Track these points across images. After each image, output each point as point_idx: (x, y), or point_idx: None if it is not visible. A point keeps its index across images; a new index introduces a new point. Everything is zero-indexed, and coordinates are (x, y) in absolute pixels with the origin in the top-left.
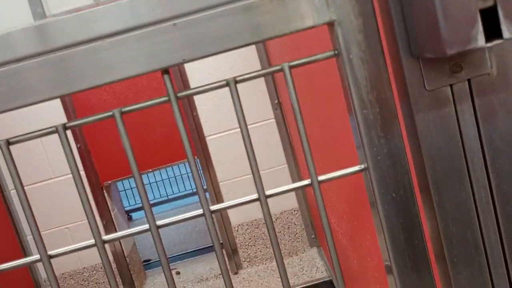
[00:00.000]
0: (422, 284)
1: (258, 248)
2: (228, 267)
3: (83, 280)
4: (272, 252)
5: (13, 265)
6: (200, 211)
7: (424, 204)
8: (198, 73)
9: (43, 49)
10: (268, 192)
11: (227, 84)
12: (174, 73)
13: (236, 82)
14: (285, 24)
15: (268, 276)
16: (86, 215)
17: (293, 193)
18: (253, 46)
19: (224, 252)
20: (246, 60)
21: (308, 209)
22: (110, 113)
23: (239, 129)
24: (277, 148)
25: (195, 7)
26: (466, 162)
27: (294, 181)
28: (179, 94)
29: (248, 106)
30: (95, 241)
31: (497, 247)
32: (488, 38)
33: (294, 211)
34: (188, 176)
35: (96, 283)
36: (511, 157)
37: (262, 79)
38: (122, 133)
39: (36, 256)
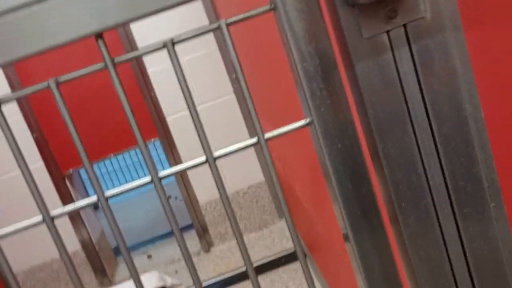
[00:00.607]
0: (371, 227)
1: (228, 225)
2: (200, 245)
3: (52, 271)
4: (242, 227)
5: None
6: (148, 178)
7: (370, 152)
8: (149, 40)
9: None
10: (216, 154)
11: (165, 45)
12: (123, 42)
13: (173, 43)
14: None
15: (239, 252)
16: (31, 190)
17: (259, 167)
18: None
19: (195, 231)
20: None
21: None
22: (46, 84)
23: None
24: (239, 122)
25: None
26: (407, 107)
27: (258, 154)
28: (116, 59)
29: (207, 83)
30: (43, 217)
31: (442, 189)
32: None
33: (261, 184)
34: (156, 161)
35: (67, 274)
36: (449, 99)
37: (219, 55)
38: (60, 105)
39: None
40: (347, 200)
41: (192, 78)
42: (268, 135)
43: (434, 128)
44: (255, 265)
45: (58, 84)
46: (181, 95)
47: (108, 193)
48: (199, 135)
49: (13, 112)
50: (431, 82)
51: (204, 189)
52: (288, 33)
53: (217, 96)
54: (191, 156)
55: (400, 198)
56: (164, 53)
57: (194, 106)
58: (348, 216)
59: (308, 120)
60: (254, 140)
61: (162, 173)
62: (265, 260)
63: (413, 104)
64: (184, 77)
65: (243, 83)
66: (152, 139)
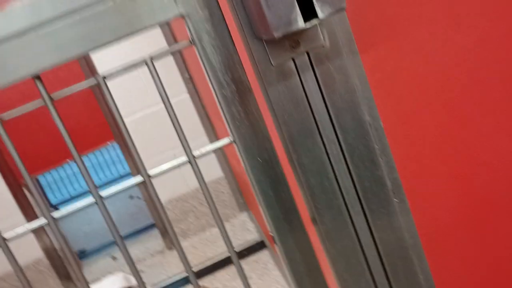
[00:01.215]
0: (293, 228)
1: (190, 221)
2: (164, 244)
3: (16, 281)
4: (204, 223)
5: None
6: (92, 199)
7: (288, 162)
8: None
9: None
10: (151, 172)
11: (97, 83)
12: (80, 62)
13: (105, 77)
14: (139, 22)
15: (203, 246)
16: None
17: (217, 163)
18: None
19: (158, 230)
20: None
21: (234, 176)
22: None
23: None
24: (195, 122)
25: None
26: (316, 122)
27: (216, 152)
28: (53, 95)
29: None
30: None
31: (351, 190)
32: (306, 19)
33: (220, 180)
34: (113, 161)
35: (34, 281)
36: (351, 113)
37: (170, 56)
38: (5, 139)
39: None
40: (270, 206)
41: (147, 80)
42: (197, 153)
43: (340, 138)
44: (216, 260)
45: (1, 122)
46: (134, 97)
47: (56, 214)
48: (134, 153)
49: None
50: (334, 99)
51: (164, 188)
52: (206, 65)
53: (171, 96)
54: (147, 155)
55: (316, 200)
56: (113, 54)
57: (174, 113)
58: (272, 219)
59: (231, 139)
60: (185, 159)
61: (103, 193)
62: (227, 254)
63: (320, 119)
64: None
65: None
66: (110, 142)
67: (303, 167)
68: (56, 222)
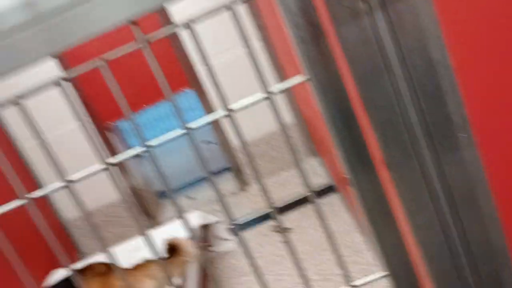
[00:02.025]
0: (364, 167)
1: (262, 164)
2: (236, 186)
3: (107, 216)
4: (275, 167)
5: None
6: (181, 131)
7: (360, 100)
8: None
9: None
10: (232, 106)
11: (185, 28)
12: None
13: (187, 23)
14: None
15: (274, 189)
16: (92, 141)
17: (287, 109)
18: None
19: (231, 173)
20: None
21: (303, 123)
22: (98, 63)
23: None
24: (266, 70)
25: None
26: (385, 61)
27: (287, 98)
28: (148, 37)
29: (233, 33)
30: (105, 164)
31: (417, 126)
32: None
33: (290, 126)
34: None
35: (119, 217)
36: (420, 51)
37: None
38: (111, 80)
39: (60, 185)
40: (342, 143)
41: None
42: (273, 89)
43: (409, 76)
44: (288, 202)
45: (107, 62)
46: (210, 45)
47: (151, 142)
48: (217, 88)
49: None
50: (404, 38)
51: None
52: (283, 9)
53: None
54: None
55: (384, 136)
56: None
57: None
58: (345, 157)
59: (306, 77)
60: (265, 95)
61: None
62: (297, 197)
63: (390, 57)
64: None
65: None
66: (185, 89)
67: (372, 104)
68: (154, 156)
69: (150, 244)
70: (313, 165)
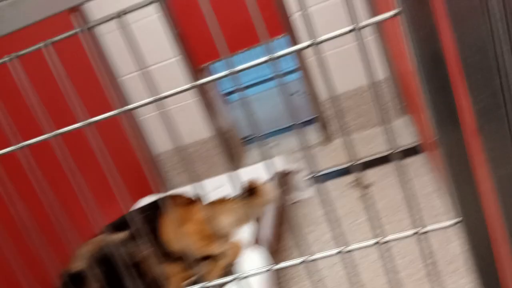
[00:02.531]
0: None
1: (349, 119)
2: (322, 137)
3: (192, 153)
4: (363, 121)
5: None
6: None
7: (451, 40)
8: None
9: None
10: (319, 39)
11: None
12: None
13: None
14: None
15: (358, 145)
16: None
17: (380, 64)
18: None
19: (317, 124)
20: None
21: (397, 79)
22: None
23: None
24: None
25: None
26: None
27: (381, 51)
28: None
29: None
30: (190, 85)
31: (511, 73)
32: None
33: (384, 81)
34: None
35: (204, 156)
36: None
37: None
38: (210, 16)
39: (149, 99)
40: (428, 81)
41: None
42: (362, 23)
43: (507, 17)
44: (371, 158)
45: None
46: None
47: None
48: (306, 21)
49: (155, 11)
50: None
51: (327, 84)
52: None
53: None
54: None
55: (473, 79)
56: None
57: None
58: (428, 90)
59: (396, 10)
60: (350, 27)
61: (276, 54)
62: (380, 155)
63: None
64: None
65: None
66: (280, 35)
67: (465, 44)
68: (246, 101)
69: (232, 183)
70: (402, 124)
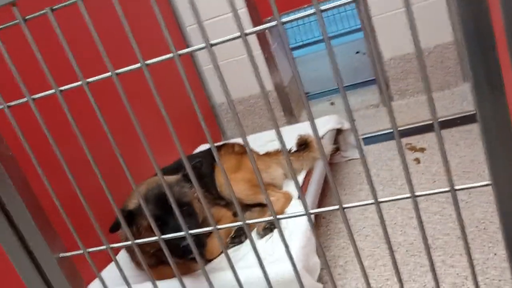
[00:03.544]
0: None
1: (410, 82)
2: (379, 99)
3: (249, 106)
4: (423, 85)
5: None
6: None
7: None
8: None
9: None
10: None
11: None
12: None
13: None
14: None
15: (418, 108)
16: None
17: (448, 26)
18: None
19: (377, 86)
20: None
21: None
22: None
23: None
24: None
25: None
26: None
27: (450, 12)
28: None
29: None
30: (240, 33)
31: None
32: None
33: (449, 45)
34: (340, 16)
35: (261, 109)
36: None
37: None
38: None
39: (201, 45)
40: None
41: None
42: None
43: None
44: (429, 122)
45: None
46: None
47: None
48: None
49: None
50: None
51: (390, 45)
52: None
53: None
54: (381, 9)
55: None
56: None
57: None
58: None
59: None
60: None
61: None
62: (441, 119)
63: None
64: None
65: None
66: None
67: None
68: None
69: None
70: (465, 90)
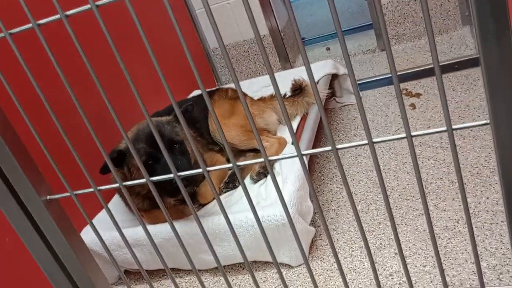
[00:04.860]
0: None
1: (407, 26)
2: (376, 44)
3: (244, 51)
4: (421, 29)
5: None
6: None
7: None
8: None
9: None
10: None
11: None
12: None
13: None
14: None
15: (415, 53)
16: None
17: None
18: None
19: (373, 30)
20: None
21: None
22: None
23: None
24: None
25: None
26: None
27: None
28: None
29: None
30: None
31: None
32: None
33: None
34: None
35: (255, 54)
36: None
37: None
38: None
39: None
40: None
41: None
42: None
43: None
44: (426, 67)
45: None
46: None
47: None
48: None
49: None
50: None
51: None
52: None
53: None
54: None
55: None
56: None
57: None
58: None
59: None
60: None
61: None
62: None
63: None
64: None
65: None
66: None
67: None
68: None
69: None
70: (463, 35)
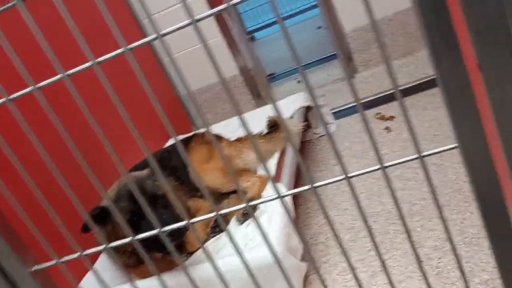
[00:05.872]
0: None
1: (373, 52)
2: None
3: (217, 93)
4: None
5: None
6: None
7: None
8: None
9: None
10: None
11: None
12: None
13: None
14: None
15: (384, 78)
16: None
17: None
18: None
19: (339, 60)
20: None
21: None
22: None
23: None
24: None
25: None
26: None
27: None
28: None
29: None
30: (191, 21)
31: None
32: None
33: (409, 10)
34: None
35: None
36: None
37: None
38: None
39: (152, 36)
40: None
41: None
42: None
43: None
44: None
45: None
46: None
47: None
48: None
49: None
50: None
51: (350, 17)
52: None
53: None
54: None
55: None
56: None
57: None
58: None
59: None
60: None
61: None
62: (406, 86)
63: None
64: None
65: None
66: None
67: None
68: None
69: (244, 123)
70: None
